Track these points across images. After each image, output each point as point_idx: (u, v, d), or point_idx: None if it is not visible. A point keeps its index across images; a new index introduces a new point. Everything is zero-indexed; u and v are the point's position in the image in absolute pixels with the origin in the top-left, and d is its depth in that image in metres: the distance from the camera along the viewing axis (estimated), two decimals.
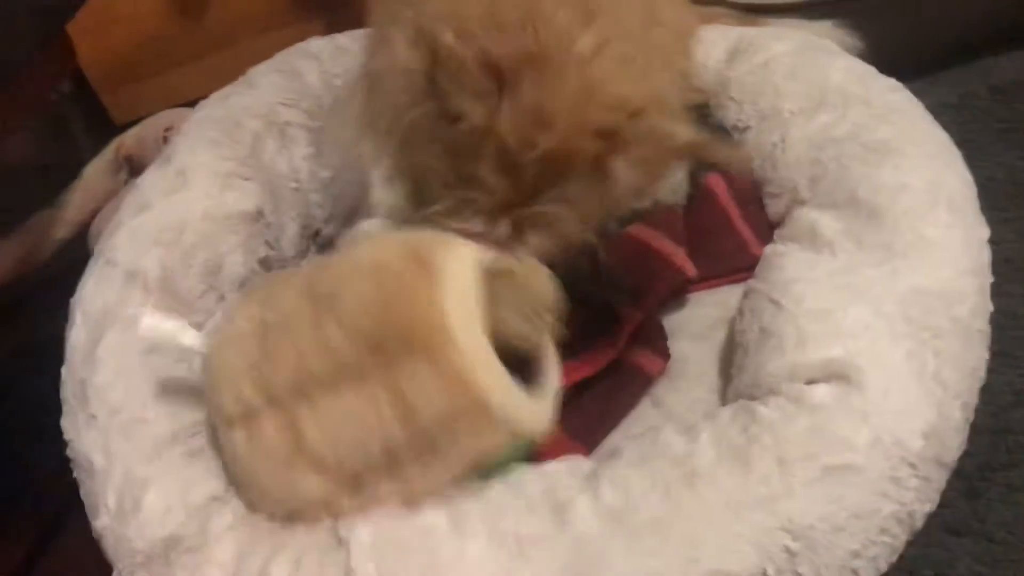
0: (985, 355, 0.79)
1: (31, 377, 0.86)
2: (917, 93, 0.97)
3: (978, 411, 0.88)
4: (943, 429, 0.72)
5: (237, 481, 0.75)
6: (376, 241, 0.79)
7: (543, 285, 0.72)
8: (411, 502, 0.71)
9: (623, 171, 0.71)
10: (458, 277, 0.69)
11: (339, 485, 0.70)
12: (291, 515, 0.72)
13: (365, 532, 0.69)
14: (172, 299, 0.90)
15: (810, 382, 0.73)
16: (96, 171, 1.21)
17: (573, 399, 0.86)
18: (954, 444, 0.73)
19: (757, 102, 1.03)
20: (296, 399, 0.69)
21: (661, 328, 0.89)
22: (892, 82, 0.98)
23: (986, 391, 0.96)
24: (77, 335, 0.88)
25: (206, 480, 0.76)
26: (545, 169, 0.69)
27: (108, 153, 1.22)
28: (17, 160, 1.35)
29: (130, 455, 0.78)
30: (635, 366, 0.86)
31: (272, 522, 0.73)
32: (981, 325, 0.79)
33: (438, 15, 0.70)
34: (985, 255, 0.83)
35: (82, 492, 0.81)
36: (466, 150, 0.69)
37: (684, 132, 0.71)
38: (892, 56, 1.05)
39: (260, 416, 0.70)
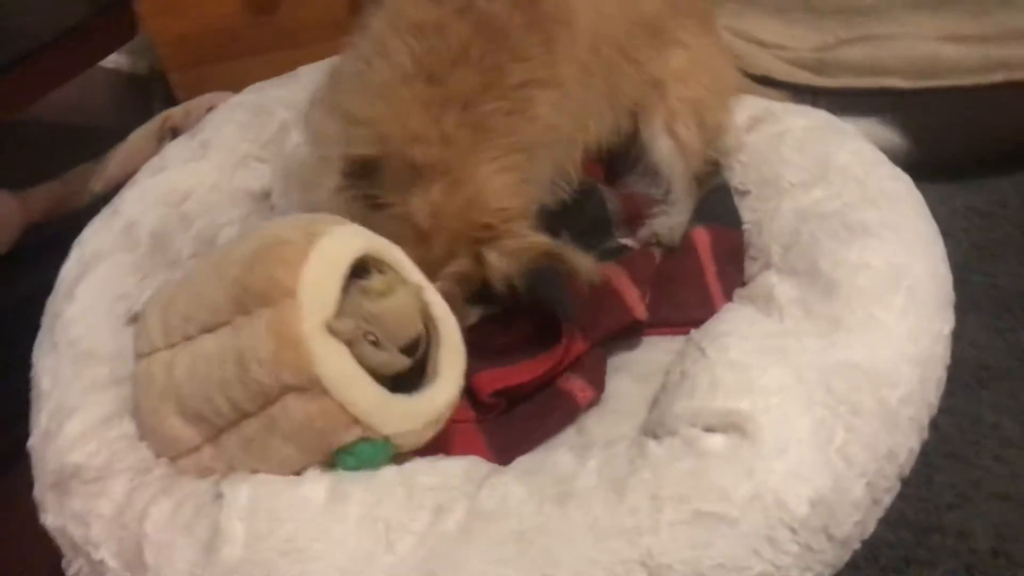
0: (911, 445, 0.76)
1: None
2: (948, 194, 0.97)
3: (912, 505, 0.86)
4: (836, 502, 0.70)
5: (135, 414, 0.79)
6: (296, 215, 0.82)
7: (407, 320, 0.74)
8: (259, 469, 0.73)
9: (495, 259, 0.84)
10: (330, 254, 0.72)
11: (198, 432, 0.74)
12: (170, 459, 0.76)
13: (243, 492, 0.72)
14: (160, 256, 0.95)
15: (708, 429, 0.73)
16: (140, 136, 1.30)
17: (502, 413, 0.87)
18: (848, 520, 0.71)
19: (761, 168, 1.03)
20: (182, 341, 0.73)
21: (601, 361, 0.89)
22: (898, 172, 0.98)
23: (927, 487, 0.93)
24: (67, 270, 0.95)
25: (127, 421, 0.80)
26: (446, 248, 0.84)
27: (155, 122, 1.31)
28: (82, 121, 1.47)
29: (71, 383, 0.84)
30: (567, 392, 0.86)
31: (168, 470, 0.76)
32: (912, 414, 0.77)
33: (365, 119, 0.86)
34: (939, 349, 0.81)
35: (31, 414, 0.85)
36: (389, 228, 0.82)
37: (541, 241, 0.84)
38: (931, 154, 1.04)
39: (155, 353, 0.74)
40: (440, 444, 0.82)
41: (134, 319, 0.86)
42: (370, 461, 0.74)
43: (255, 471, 0.73)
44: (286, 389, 0.69)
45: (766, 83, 1.25)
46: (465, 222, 0.84)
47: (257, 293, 0.70)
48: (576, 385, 0.86)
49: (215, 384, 0.71)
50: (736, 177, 1.06)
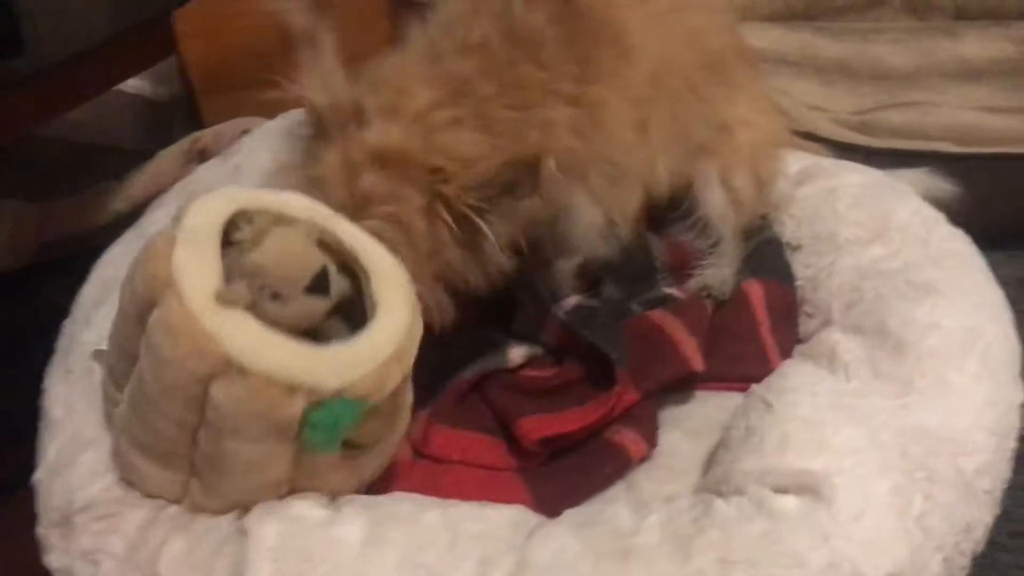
0: (986, 519, 0.72)
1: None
2: (995, 262, 0.93)
3: None
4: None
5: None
6: None
7: (295, 258, 0.66)
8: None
9: (454, 193, 0.77)
10: (195, 229, 0.66)
11: (174, 470, 0.68)
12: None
13: (271, 530, 0.66)
14: None
15: (779, 490, 0.68)
16: (168, 156, 1.27)
17: (545, 463, 0.83)
18: None
19: (814, 224, 1.00)
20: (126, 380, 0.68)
21: (654, 414, 0.85)
22: (959, 232, 0.95)
23: (992, 568, 0.88)
24: (86, 294, 0.91)
25: None
26: (381, 187, 0.77)
27: (184, 143, 1.28)
28: (103, 141, 1.44)
29: (86, 415, 0.78)
30: (618, 445, 0.81)
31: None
32: (988, 486, 0.72)
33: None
34: (1013, 419, 0.77)
35: (37, 444, 0.80)
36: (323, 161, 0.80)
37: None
38: (977, 222, 1.01)
39: (117, 401, 0.70)
40: (479, 491, 0.77)
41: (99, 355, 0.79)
42: (337, 426, 0.66)
43: (243, 492, 0.68)
44: (204, 381, 0.62)
45: (811, 139, 1.23)
46: (416, 158, 0.78)
47: (145, 299, 0.64)
48: (628, 438, 0.81)
49: (151, 409, 0.65)
50: (787, 232, 1.03)
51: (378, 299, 0.69)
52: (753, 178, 1.00)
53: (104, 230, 1.05)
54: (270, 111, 1.25)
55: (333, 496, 0.71)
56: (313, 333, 0.67)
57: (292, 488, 0.69)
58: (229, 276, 0.64)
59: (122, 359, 0.69)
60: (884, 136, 1.36)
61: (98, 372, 0.80)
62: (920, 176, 1.08)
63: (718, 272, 0.99)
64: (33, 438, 0.81)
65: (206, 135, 1.27)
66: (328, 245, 0.70)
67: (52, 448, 0.77)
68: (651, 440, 0.82)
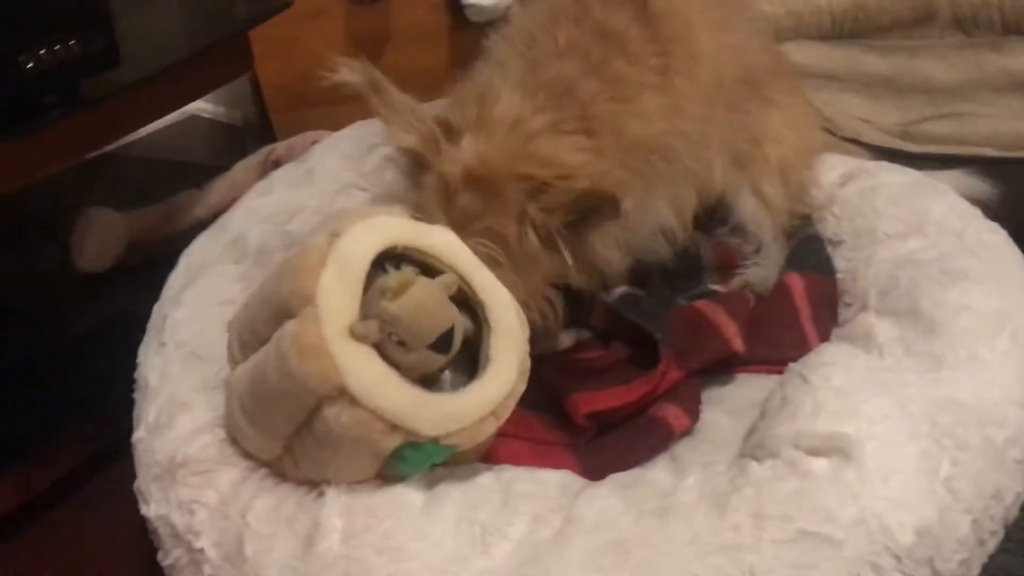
0: (1018, 488, 0.75)
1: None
2: None
3: (1018, 560, 0.83)
4: (941, 535, 0.69)
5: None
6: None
7: (430, 316, 0.71)
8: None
9: (534, 211, 0.79)
10: (347, 255, 0.71)
11: (273, 443, 0.75)
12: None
13: (343, 489, 0.73)
14: (263, 269, 0.98)
15: (811, 452, 0.72)
16: (244, 166, 1.35)
17: (594, 438, 0.87)
18: (954, 556, 0.69)
19: (855, 220, 1.04)
20: (251, 355, 0.75)
21: (696, 392, 0.89)
22: (994, 225, 0.98)
23: None
24: (175, 278, 0.99)
25: (229, 420, 0.81)
26: (478, 201, 0.80)
27: (259, 155, 1.37)
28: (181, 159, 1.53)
29: (181, 381, 0.86)
30: (661, 419, 0.86)
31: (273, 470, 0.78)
32: (1019, 456, 0.75)
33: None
34: None
35: (134, 411, 0.88)
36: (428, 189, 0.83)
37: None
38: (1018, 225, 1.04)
39: (235, 367, 0.78)
40: (530, 461, 0.82)
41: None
42: (422, 464, 0.73)
43: (329, 478, 0.74)
44: (319, 400, 0.68)
45: (856, 143, 1.26)
46: (504, 170, 0.80)
47: (284, 305, 0.71)
48: (671, 413, 0.86)
49: (267, 398, 0.72)
50: (829, 228, 1.07)
51: (492, 355, 0.74)
52: (782, 186, 1.05)
53: (186, 235, 1.12)
54: (340, 126, 1.33)
55: None
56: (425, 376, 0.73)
57: None
58: (365, 311, 0.70)
59: (251, 335, 0.76)
60: (927, 143, 1.38)
61: (189, 345, 0.88)
62: (958, 176, 1.12)
63: (759, 271, 1.03)
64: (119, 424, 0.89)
65: (279, 147, 1.35)
66: (463, 292, 0.76)
67: (151, 411, 0.84)
68: (693, 414, 0.87)
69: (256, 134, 1.71)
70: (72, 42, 0.89)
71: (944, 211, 1.00)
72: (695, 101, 0.93)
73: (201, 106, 1.96)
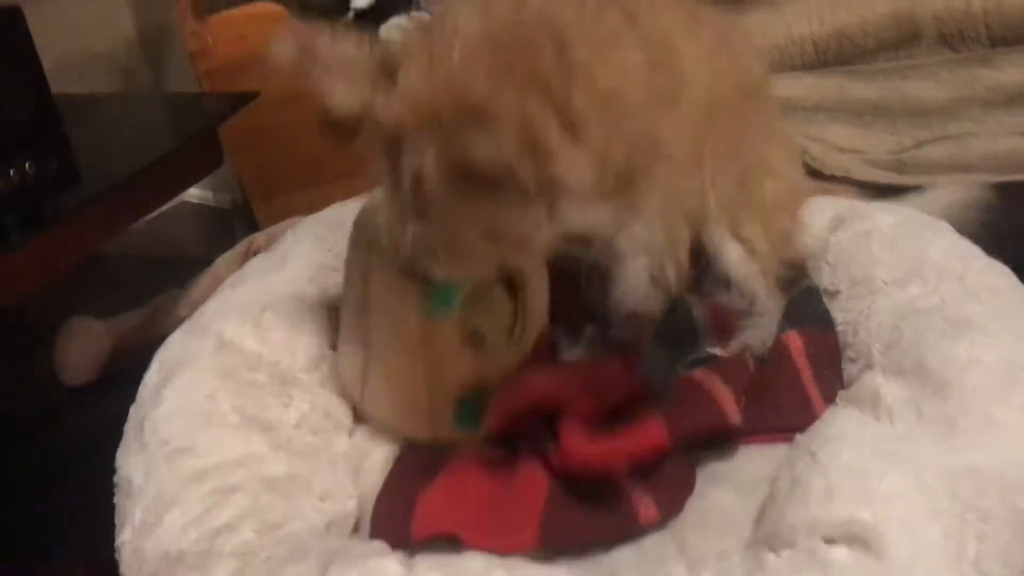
0: None
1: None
2: None
3: None
4: None
5: None
6: None
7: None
8: None
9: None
10: None
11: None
12: None
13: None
14: (240, 360, 0.95)
15: (829, 540, 0.67)
16: (226, 260, 1.33)
17: (563, 494, 0.83)
18: None
19: (851, 268, 1.00)
20: None
21: (685, 478, 0.85)
22: (996, 264, 0.94)
23: None
24: (150, 377, 0.96)
25: (224, 511, 0.79)
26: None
27: (240, 247, 1.34)
28: (168, 252, 1.51)
29: (166, 478, 0.82)
30: (629, 505, 0.81)
31: (273, 552, 0.75)
32: None
33: None
34: None
35: (116, 515, 0.84)
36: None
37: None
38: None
39: None
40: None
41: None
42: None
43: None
44: None
45: (846, 183, 1.23)
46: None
47: None
48: (642, 502, 0.81)
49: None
50: (824, 278, 1.03)
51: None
52: (763, 231, 1.00)
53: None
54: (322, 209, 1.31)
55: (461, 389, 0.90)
56: None
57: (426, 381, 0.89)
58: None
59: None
60: (923, 172, 1.35)
61: (174, 443, 0.85)
62: (954, 192, 1.08)
63: (758, 332, 0.99)
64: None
65: (259, 237, 1.33)
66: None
67: (136, 511, 0.80)
68: (667, 507, 0.81)
69: (246, 216, 1.70)
70: (28, 164, 0.87)
71: (942, 253, 0.96)
72: (679, 130, 0.86)
73: (190, 191, 1.96)
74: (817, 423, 0.81)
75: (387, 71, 0.73)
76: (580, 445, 0.83)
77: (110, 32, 1.82)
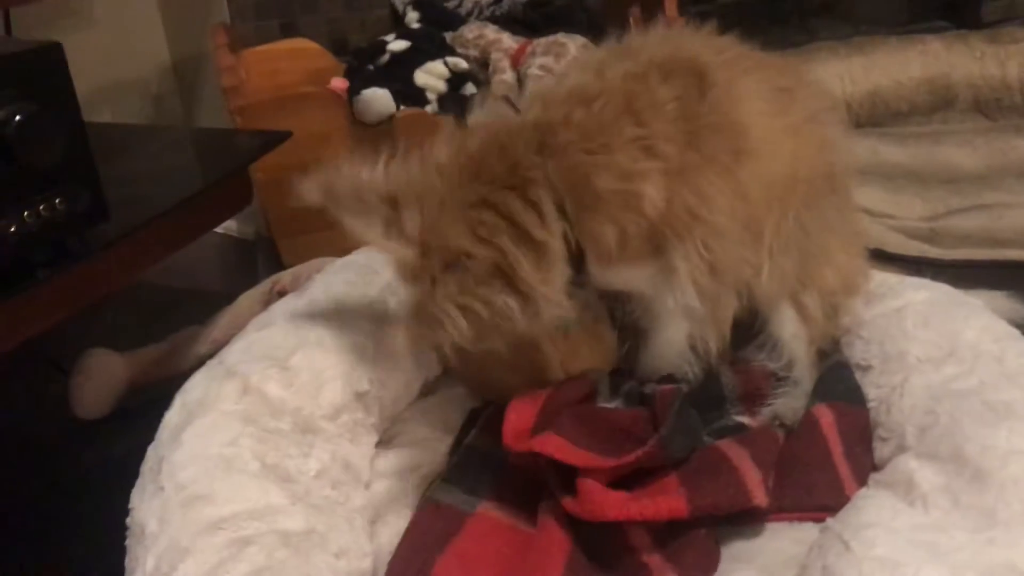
0: None
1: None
2: None
3: None
4: None
5: None
6: None
7: None
8: None
9: None
10: None
11: None
12: None
13: None
14: (263, 406, 0.94)
15: None
16: (248, 298, 1.32)
17: (580, 566, 0.81)
18: None
19: (884, 343, 0.98)
20: None
21: (708, 551, 0.82)
22: None
23: None
24: (170, 418, 0.94)
25: (238, 565, 0.77)
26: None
27: (264, 286, 1.33)
28: (190, 284, 1.50)
29: (182, 527, 0.80)
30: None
31: None
32: None
33: None
34: None
35: (127, 559, 0.83)
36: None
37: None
38: None
39: None
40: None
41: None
42: None
43: None
44: None
45: (879, 256, 1.21)
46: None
47: None
48: (664, 574, 0.79)
49: None
50: (857, 353, 1.01)
51: None
52: (821, 301, 0.99)
53: (188, 373, 1.08)
54: (346, 251, 1.30)
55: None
56: None
57: None
58: None
59: None
60: (955, 245, 1.33)
61: (190, 489, 0.83)
62: (997, 299, 1.06)
63: (791, 401, 0.97)
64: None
65: (284, 276, 1.32)
66: None
67: (149, 559, 0.78)
68: None
69: (269, 249, 1.69)
70: (58, 200, 0.86)
71: (978, 333, 0.94)
72: (728, 196, 0.87)
73: None
74: (849, 507, 0.79)
75: (396, 208, 0.85)
76: (598, 491, 0.81)
77: (145, 61, 1.83)
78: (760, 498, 0.83)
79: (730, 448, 0.89)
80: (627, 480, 0.87)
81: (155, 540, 0.80)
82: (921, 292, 1.03)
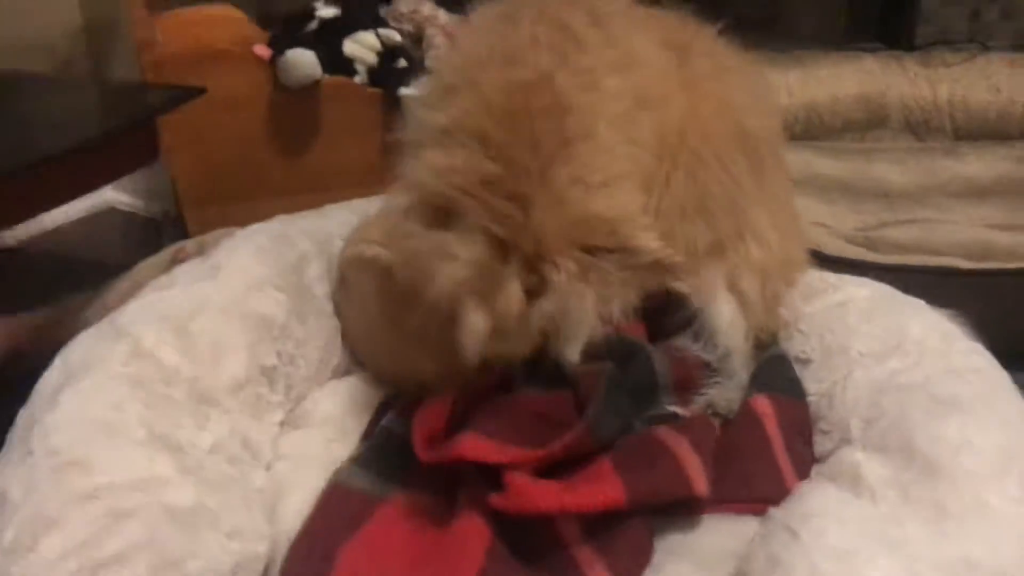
0: None
1: None
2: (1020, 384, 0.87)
3: None
4: None
5: None
6: None
7: None
8: None
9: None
10: None
11: None
12: None
13: None
14: (157, 371, 0.84)
15: None
16: (149, 266, 1.21)
17: (501, 558, 0.75)
18: None
19: (824, 337, 0.95)
20: None
21: (640, 545, 0.76)
22: (978, 346, 0.89)
23: None
24: (48, 378, 0.84)
25: (114, 539, 0.68)
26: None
27: (166, 254, 1.23)
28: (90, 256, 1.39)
29: (49, 495, 0.70)
30: (579, 571, 0.73)
31: None
32: None
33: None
34: None
35: None
36: None
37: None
38: (995, 343, 0.95)
39: None
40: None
41: None
42: None
43: None
44: None
45: (817, 257, 1.18)
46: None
47: None
48: (594, 568, 0.73)
49: None
50: (796, 346, 0.97)
51: None
52: (761, 288, 0.95)
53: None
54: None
55: None
56: None
57: None
58: None
59: None
60: (891, 252, 1.31)
61: (64, 454, 0.73)
62: None
63: (724, 391, 0.92)
64: None
65: (189, 244, 1.22)
66: None
67: (8, 531, 0.68)
68: (624, 575, 0.74)
69: (177, 228, 1.59)
70: None
71: (923, 329, 0.91)
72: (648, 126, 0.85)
73: (119, 198, 1.84)
74: (792, 498, 0.74)
75: None
76: (528, 484, 0.75)
77: (53, 19, 1.71)
78: (701, 486, 0.77)
79: (667, 435, 0.83)
80: (555, 468, 0.80)
81: (16, 509, 0.70)
82: (863, 289, 1.00)
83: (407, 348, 0.90)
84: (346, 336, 1.02)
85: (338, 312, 1.03)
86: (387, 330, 0.93)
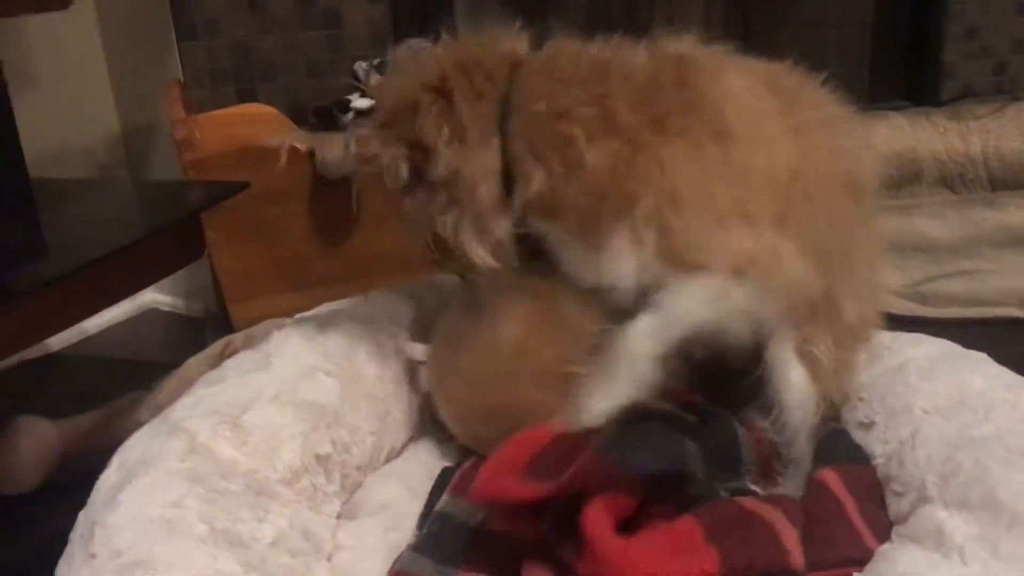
0: None
1: None
2: None
3: None
4: None
5: None
6: None
7: None
8: None
9: None
10: None
11: None
12: None
13: None
14: (213, 466, 0.84)
15: None
16: (198, 362, 1.22)
17: None
18: None
19: (886, 400, 0.92)
20: None
21: None
22: None
23: None
24: (106, 478, 0.84)
25: None
26: None
27: (214, 348, 1.23)
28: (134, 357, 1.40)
29: None
30: None
31: None
32: None
33: None
34: None
35: None
36: None
37: None
38: None
39: None
40: None
41: None
42: None
43: None
44: None
45: None
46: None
47: None
48: None
49: None
50: (858, 414, 0.94)
51: None
52: (835, 354, 0.90)
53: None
54: None
55: None
56: None
57: None
58: None
59: None
60: (944, 304, 1.29)
61: (128, 555, 0.72)
62: None
63: (796, 481, 0.86)
64: None
65: (237, 338, 1.23)
66: None
67: None
68: None
69: (220, 325, 1.60)
70: None
71: (987, 382, 0.88)
72: (754, 167, 0.84)
73: (157, 298, 1.86)
74: (879, 560, 0.71)
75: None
76: (615, 551, 0.71)
77: (92, 126, 1.76)
78: (798, 559, 0.73)
79: (759, 506, 0.79)
80: (637, 522, 0.77)
81: None
82: (920, 347, 0.97)
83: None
84: (439, 394, 1.02)
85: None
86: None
